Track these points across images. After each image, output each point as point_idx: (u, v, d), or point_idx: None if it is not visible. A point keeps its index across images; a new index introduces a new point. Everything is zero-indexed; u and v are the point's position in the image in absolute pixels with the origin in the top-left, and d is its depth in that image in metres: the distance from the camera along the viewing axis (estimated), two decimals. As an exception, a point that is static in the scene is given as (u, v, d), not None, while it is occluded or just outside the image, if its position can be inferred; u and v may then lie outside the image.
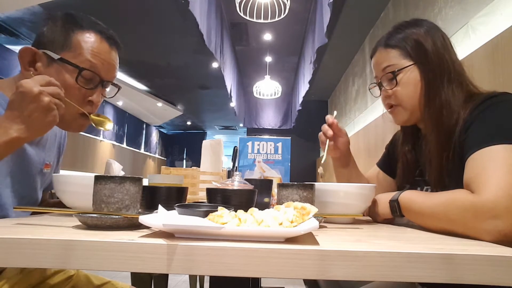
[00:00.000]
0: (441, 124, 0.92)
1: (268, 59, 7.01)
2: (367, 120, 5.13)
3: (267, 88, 6.95)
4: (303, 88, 6.25)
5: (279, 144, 1.51)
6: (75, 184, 0.85)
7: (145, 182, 0.80)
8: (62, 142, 1.18)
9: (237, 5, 3.72)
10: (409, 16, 1.07)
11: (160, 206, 0.67)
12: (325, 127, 1.12)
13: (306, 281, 1.33)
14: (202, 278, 2.34)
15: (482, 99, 0.87)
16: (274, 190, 1.03)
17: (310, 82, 5.84)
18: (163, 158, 14.65)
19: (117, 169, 3.09)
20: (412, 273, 0.49)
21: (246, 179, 0.94)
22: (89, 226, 0.64)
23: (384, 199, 0.91)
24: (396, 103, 1.00)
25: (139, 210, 0.72)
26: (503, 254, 0.50)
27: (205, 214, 0.61)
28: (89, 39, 0.95)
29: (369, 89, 1.12)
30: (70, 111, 0.92)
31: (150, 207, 0.85)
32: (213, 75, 7.61)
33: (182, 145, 15.13)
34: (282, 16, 3.90)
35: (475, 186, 0.76)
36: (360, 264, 0.49)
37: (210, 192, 0.83)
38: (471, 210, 0.72)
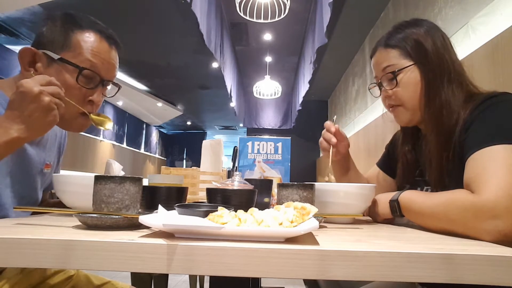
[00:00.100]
0: (441, 124, 0.92)
1: (268, 59, 7.01)
2: (367, 120, 5.13)
3: (267, 88, 6.95)
4: (303, 88, 6.25)
5: (279, 144, 1.51)
6: (75, 184, 0.85)
7: (145, 182, 0.80)
8: (62, 142, 1.18)
9: (237, 5, 3.72)
10: (409, 16, 1.07)
11: (160, 206, 0.67)
12: (327, 134, 1.11)
13: (306, 281, 1.33)
14: (202, 278, 2.34)
15: (482, 99, 0.87)
16: (274, 190, 1.03)
17: (310, 82, 5.84)
18: (163, 158, 14.65)
19: (117, 169, 3.10)
20: (412, 273, 0.49)
21: (246, 179, 0.94)
22: (89, 226, 0.64)
23: (384, 199, 0.91)
24: (397, 103, 1.00)
25: (139, 210, 0.72)
26: (503, 254, 0.50)
27: (205, 214, 0.61)
28: (88, 39, 0.95)
29: (369, 89, 1.12)
30: (70, 110, 0.92)
31: (150, 207, 0.85)
32: (213, 75, 7.61)
33: (182, 145, 15.13)
34: (282, 16, 3.89)
35: (475, 186, 0.76)
36: (360, 264, 0.49)
37: (210, 192, 0.83)
38: (471, 210, 0.72)
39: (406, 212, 0.85)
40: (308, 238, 0.58)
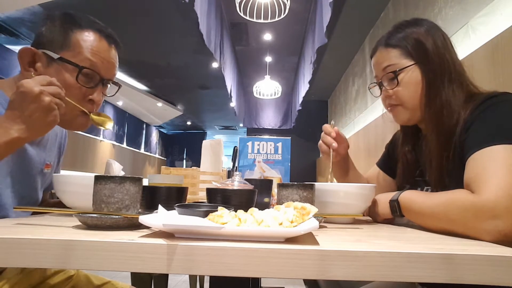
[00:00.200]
0: (442, 124, 0.92)
1: (268, 59, 7.01)
2: (367, 120, 5.13)
3: (267, 88, 6.95)
4: (303, 88, 6.25)
5: (279, 144, 1.51)
6: (75, 184, 0.85)
7: (145, 182, 0.80)
8: (62, 142, 1.18)
9: (237, 5, 3.72)
10: (409, 16, 1.07)
11: (160, 206, 0.67)
12: (328, 138, 1.10)
13: (306, 281, 1.33)
14: (202, 278, 2.34)
15: (482, 99, 0.87)
16: (274, 190, 1.03)
17: (310, 82, 5.84)
18: (163, 158, 14.65)
19: (117, 169, 3.09)
20: (412, 273, 0.49)
21: (246, 179, 0.94)
22: (89, 226, 0.64)
23: (384, 199, 0.91)
24: (397, 103, 1.00)
25: (139, 210, 0.72)
26: (503, 254, 0.50)
27: (205, 214, 0.61)
28: (88, 38, 0.95)
29: (369, 89, 1.12)
30: (71, 110, 0.92)
31: (150, 207, 0.85)
32: (213, 75, 7.61)
33: (182, 145, 15.14)
34: (282, 16, 3.89)
35: (475, 186, 0.76)
36: (360, 264, 0.49)
37: (210, 192, 0.83)
38: (471, 210, 0.72)
39: (406, 212, 0.85)
40: (308, 238, 0.58)
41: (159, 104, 10.11)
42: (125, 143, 10.75)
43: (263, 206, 0.89)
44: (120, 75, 7.92)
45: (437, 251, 0.50)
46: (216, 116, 12.03)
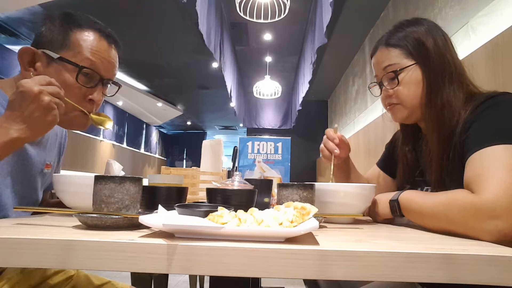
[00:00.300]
0: (442, 124, 0.92)
1: (268, 59, 7.01)
2: (367, 120, 5.13)
3: (267, 88, 6.95)
4: (303, 88, 6.25)
5: (279, 144, 1.51)
6: (75, 184, 0.85)
7: (145, 182, 0.80)
8: (62, 142, 1.18)
9: (237, 5, 3.72)
10: (409, 16, 1.07)
11: (160, 206, 0.67)
12: (330, 144, 1.10)
13: (306, 281, 1.33)
14: (202, 278, 2.34)
15: (482, 99, 0.87)
16: (274, 190, 1.03)
17: (310, 82, 5.84)
18: (163, 158, 14.65)
19: (117, 169, 3.09)
20: (412, 273, 0.49)
21: (246, 179, 0.94)
22: (89, 226, 0.64)
23: (384, 199, 0.91)
24: (397, 103, 1.00)
25: (139, 210, 0.72)
26: (503, 254, 0.50)
27: (205, 214, 0.61)
28: (87, 38, 0.95)
29: (369, 88, 1.12)
30: (70, 110, 0.92)
31: (150, 207, 0.85)
32: (213, 75, 7.60)
33: (182, 145, 15.14)
34: (282, 16, 3.89)
35: (475, 186, 0.76)
36: (360, 264, 0.49)
37: (210, 192, 0.83)
38: (471, 210, 0.72)
39: (406, 212, 0.85)
40: (308, 238, 0.58)
41: (159, 104, 10.10)
42: (125, 143, 10.75)
43: (263, 206, 0.89)
44: (120, 75, 7.92)
45: (437, 251, 0.50)
46: (216, 116, 12.03)
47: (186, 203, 0.82)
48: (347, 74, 6.87)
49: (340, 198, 0.88)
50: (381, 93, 1.04)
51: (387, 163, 1.23)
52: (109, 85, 1.02)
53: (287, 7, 3.78)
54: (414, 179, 1.06)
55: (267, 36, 6.22)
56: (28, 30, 5.83)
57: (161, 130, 14.49)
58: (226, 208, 0.65)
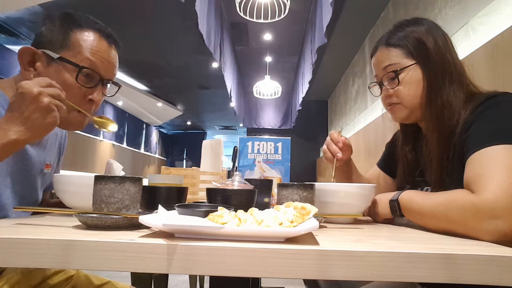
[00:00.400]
0: (442, 124, 0.92)
1: (268, 59, 7.01)
2: (367, 120, 5.13)
3: (267, 88, 6.95)
4: (303, 88, 6.25)
5: (279, 144, 1.51)
6: (75, 184, 0.85)
7: (145, 182, 0.80)
8: (62, 142, 1.18)
9: (237, 5, 3.72)
10: (409, 16, 1.07)
11: (160, 206, 0.67)
12: (333, 147, 1.10)
13: (306, 281, 1.33)
14: (202, 278, 2.34)
15: (482, 99, 0.87)
16: (274, 190, 1.03)
17: (310, 82, 5.84)
18: (163, 158, 14.65)
19: (118, 169, 3.09)
20: (412, 273, 0.49)
21: (246, 179, 0.94)
22: (89, 226, 0.64)
23: (384, 199, 0.91)
24: (397, 102, 1.00)
25: (139, 210, 0.72)
26: (503, 254, 0.50)
27: (205, 214, 0.61)
28: (87, 38, 0.95)
29: (369, 88, 1.12)
30: (69, 110, 0.92)
31: (150, 207, 0.85)
32: (213, 75, 7.60)
33: (182, 145, 15.14)
34: (282, 16, 3.89)
35: (475, 186, 0.76)
36: (360, 264, 0.49)
37: (210, 192, 0.83)
38: (471, 210, 0.72)
39: (406, 212, 0.85)
40: (308, 238, 0.58)
41: (159, 104, 10.10)
42: (125, 143, 10.75)
43: (263, 206, 0.89)
44: (120, 75, 7.92)
45: (437, 251, 0.50)
46: (216, 116, 12.03)
47: (186, 203, 0.82)
48: (347, 74, 6.87)
49: (340, 198, 0.89)
50: (381, 93, 1.04)
51: (387, 163, 1.23)
52: (109, 85, 1.02)
53: (287, 7, 3.78)
54: (414, 179, 1.06)
55: (267, 36, 6.21)
56: (28, 30, 5.83)
57: (161, 130, 14.49)
58: (226, 208, 0.65)
